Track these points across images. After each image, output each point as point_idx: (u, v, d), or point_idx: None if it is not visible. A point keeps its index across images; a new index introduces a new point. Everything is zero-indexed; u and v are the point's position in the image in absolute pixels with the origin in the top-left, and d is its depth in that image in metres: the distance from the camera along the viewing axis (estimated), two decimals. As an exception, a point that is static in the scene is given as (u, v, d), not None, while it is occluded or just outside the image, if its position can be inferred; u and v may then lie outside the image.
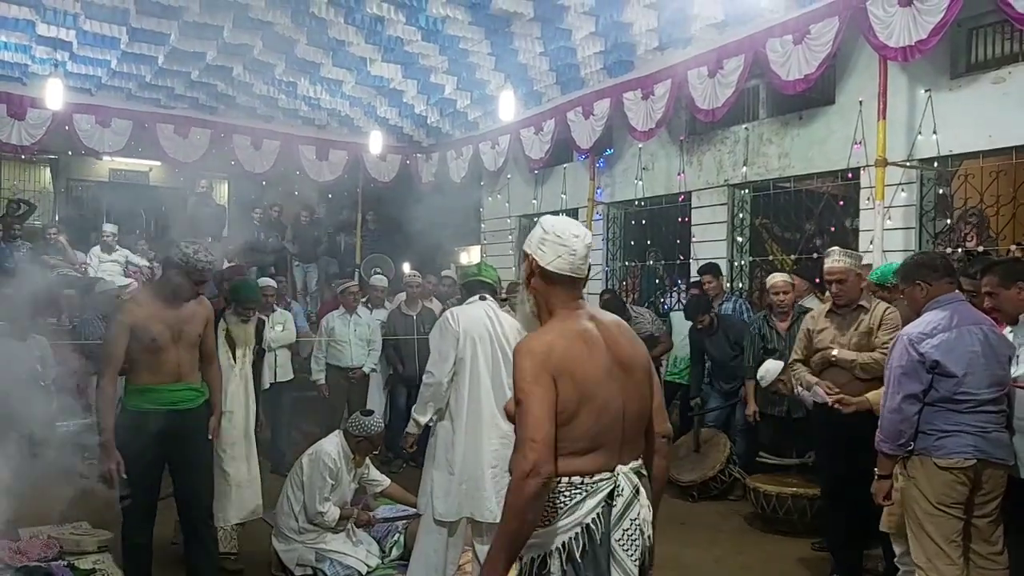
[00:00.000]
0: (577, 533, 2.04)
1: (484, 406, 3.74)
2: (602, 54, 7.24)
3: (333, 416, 7.18)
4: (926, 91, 5.80)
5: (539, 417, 1.97)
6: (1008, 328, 3.49)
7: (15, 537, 4.48)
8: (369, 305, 7.56)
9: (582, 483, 2.06)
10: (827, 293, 4.43)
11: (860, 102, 6.09)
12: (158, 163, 10.99)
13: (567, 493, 2.05)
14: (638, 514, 2.06)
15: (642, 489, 2.10)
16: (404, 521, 4.79)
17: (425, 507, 3.82)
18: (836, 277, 4.17)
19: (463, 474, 3.70)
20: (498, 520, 3.56)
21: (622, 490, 2.06)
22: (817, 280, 6.52)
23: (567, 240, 2.15)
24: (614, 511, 2.05)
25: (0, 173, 10.25)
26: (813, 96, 6.56)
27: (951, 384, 3.19)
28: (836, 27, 5.70)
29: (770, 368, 5.25)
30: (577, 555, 2.03)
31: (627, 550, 2.04)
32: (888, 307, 4.21)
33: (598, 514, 2.04)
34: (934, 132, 5.73)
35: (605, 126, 8.10)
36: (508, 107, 7.66)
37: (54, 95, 7.69)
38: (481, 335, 3.78)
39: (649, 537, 2.10)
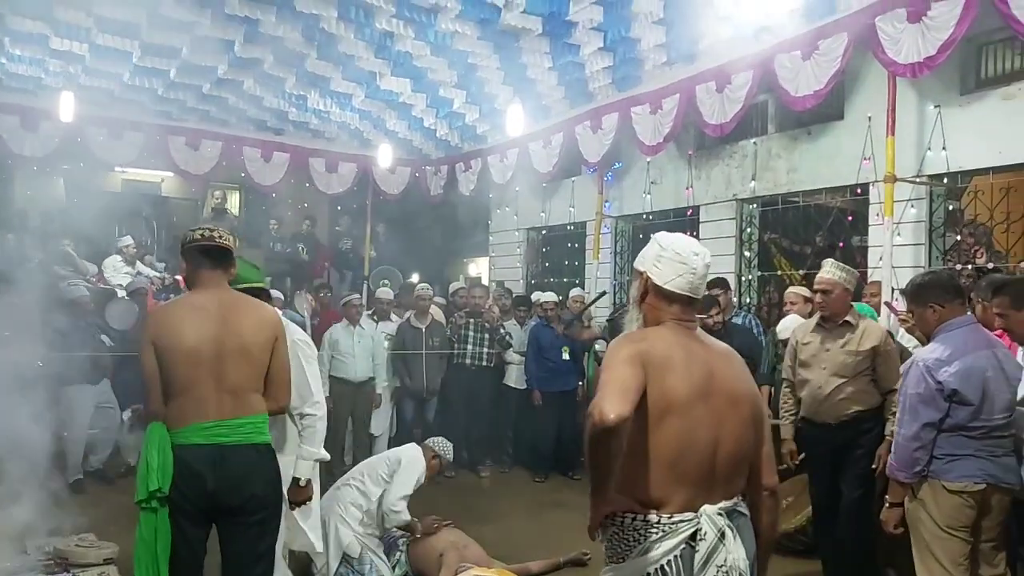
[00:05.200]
0: (651, 573, 1.91)
1: None
2: (610, 69, 7.25)
3: (337, 427, 7.20)
4: (935, 107, 5.78)
5: (621, 382, 1.85)
6: (1021, 351, 3.46)
7: (22, 549, 4.49)
8: (375, 317, 7.57)
9: (659, 522, 1.93)
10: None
11: (869, 117, 6.07)
12: (170, 174, 11.07)
13: (641, 531, 1.93)
14: (724, 560, 1.90)
15: (730, 533, 1.93)
16: (404, 539, 4.76)
17: None
18: (821, 287, 4.19)
19: None
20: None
21: (705, 534, 1.90)
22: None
23: (687, 258, 2.05)
24: (697, 556, 1.90)
25: (14, 184, 10.34)
26: (822, 111, 6.54)
27: (967, 412, 3.14)
28: (845, 43, 5.68)
29: (790, 323, 5.26)
30: None
31: None
32: (882, 332, 4.18)
33: (676, 556, 1.91)
34: (943, 148, 5.70)
35: (613, 140, 8.10)
36: (516, 121, 7.67)
37: (67, 108, 7.76)
38: None
39: None
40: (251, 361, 2.91)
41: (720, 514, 1.95)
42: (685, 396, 1.93)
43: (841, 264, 4.26)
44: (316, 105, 8.73)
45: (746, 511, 2.09)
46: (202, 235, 2.97)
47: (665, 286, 2.05)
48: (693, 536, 1.92)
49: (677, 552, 1.92)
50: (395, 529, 4.68)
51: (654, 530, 1.93)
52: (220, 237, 2.99)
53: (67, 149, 9.15)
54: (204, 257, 2.96)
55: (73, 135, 8.94)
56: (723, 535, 1.91)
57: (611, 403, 1.81)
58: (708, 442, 1.95)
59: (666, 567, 1.91)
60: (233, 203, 12.12)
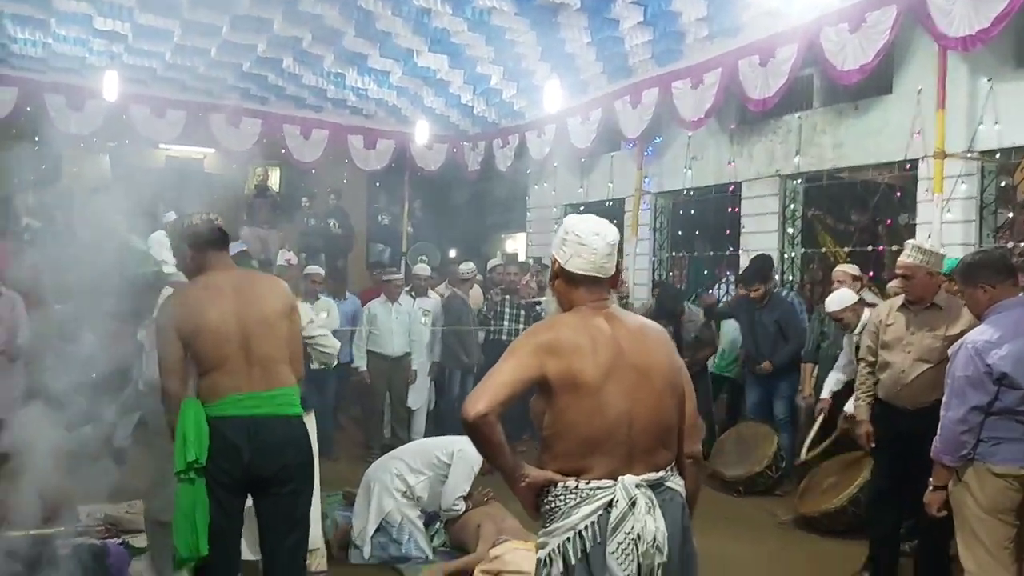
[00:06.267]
0: (570, 537, 2.02)
1: None
2: (650, 43, 7.12)
3: (375, 401, 7.31)
4: (988, 80, 5.58)
5: (496, 378, 2.01)
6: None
7: (74, 515, 4.65)
8: (412, 293, 7.63)
9: (576, 488, 2.04)
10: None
11: (919, 91, 5.90)
12: (212, 151, 11.23)
13: (562, 497, 2.06)
14: (632, 527, 1.98)
15: (643, 503, 2.01)
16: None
17: None
18: (902, 272, 4.00)
19: None
20: None
21: (617, 502, 2.00)
22: (871, 273, 6.42)
23: (587, 239, 2.12)
24: (609, 522, 2.00)
25: (61, 162, 10.57)
26: (869, 85, 6.35)
27: (1017, 396, 3.06)
28: (894, 15, 5.49)
29: (839, 296, 5.16)
30: (572, 560, 2.02)
31: (620, 563, 1.98)
32: (972, 316, 3.88)
33: (592, 522, 2.01)
34: (996, 122, 5.52)
35: (653, 115, 7.98)
36: (554, 97, 7.61)
37: (111, 87, 7.90)
38: None
39: (651, 554, 1.99)
40: (274, 331, 2.99)
41: (640, 485, 2.03)
42: (592, 377, 2.03)
43: (922, 246, 4.00)
44: (354, 82, 8.74)
45: (678, 487, 2.16)
46: (202, 220, 3.07)
47: (569, 268, 2.14)
48: (611, 503, 2.02)
49: (594, 517, 2.01)
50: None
51: (572, 496, 2.04)
52: (218, 220, 3.11)
53: (112, 127, 9.30)
54: (208, 240, 3.06)
55: (117, 113, 9.09)
56: (634, 504, 2.00)
57: (474, 401, 1.98)
58: (620, 416, 2.04)
59: (583, 532, 2.01)
60: (274, 180, 12.25)
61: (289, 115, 10.08)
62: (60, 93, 8.91)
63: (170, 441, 2.92)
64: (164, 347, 2.92)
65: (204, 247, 3.05)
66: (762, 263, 6.44)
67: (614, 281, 2.20)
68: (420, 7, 6.55)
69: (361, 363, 7.18)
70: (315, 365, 4.28)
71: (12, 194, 9.19)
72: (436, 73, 8.25)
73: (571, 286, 2.16)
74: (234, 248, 9.52)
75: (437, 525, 4.86)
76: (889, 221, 6.83)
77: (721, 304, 7.33)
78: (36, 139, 9.65)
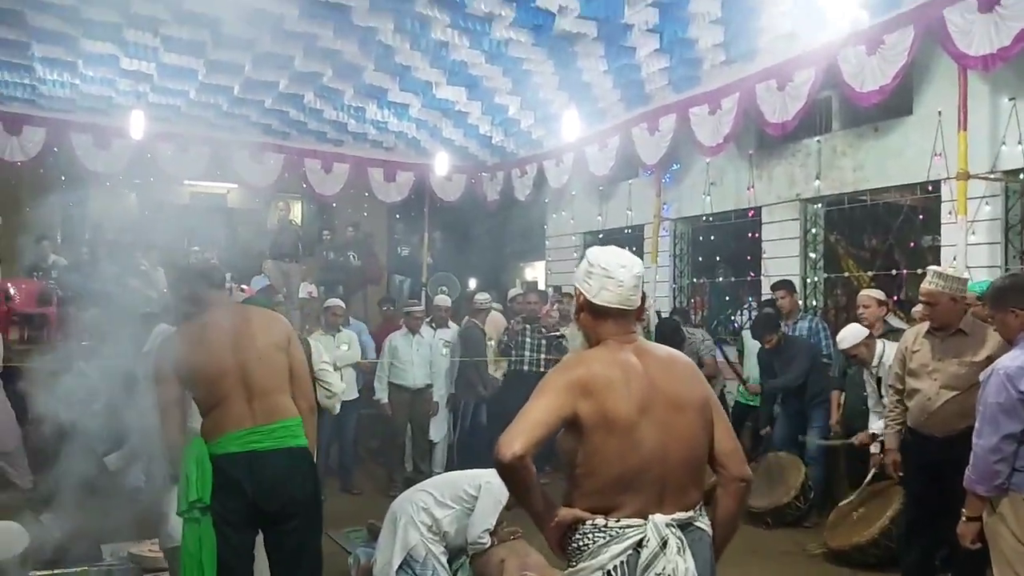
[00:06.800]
0: (602, 575, 1.97)
1: None
2: (667, 70, 7.14)
3: (397, 434, 7.27)
4: (1010, 99, 5.52)
5: (531, 416, 1.96)
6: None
7: (97, 554, 4.66)
8: (433, 325, 7.62)
9: (606, 527, 1.98)
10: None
11: (939, 112, 5.85)
12: (235, 186, 11.39)
13: (591, 536, 1.99)
14: (664, 568, 1.93)
15: (673, 543, 1.96)
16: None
17: None
18: (925, 299, 3.96)
19: None
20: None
21: (648, 541, 1.95)
22: (895, 298, 6.31)
23: (613, 271, 2.08)
24: (640, 562, 1.94)
25: (87, 200, 10.76)
26: (889, 107, 6.31)
27: None
28: (912, 36, 5.47)
29: (850, 333, 5.07)
30: None
31: None
32: (999, 340, 3.73)
33: (622, 562, 1.96)
34: (1019, 142, 5.45)
35: (671, 141, 7.98)
36: (572, 126, 7.64)
37: (136, 125, 8.06)
38: None
39: None
40: (271, 364, 2.97)
41: (670, 524, 1.98)
42: (626, 414, 1.98)
43: (944, 271, 3.96)
44: (374, 116, 8.85)
45: (706, 527, 2.10)
46: (198, 259, 3.08)
47: (595, 301, 2.10)
48: (641, 543, 1.96)
49: (624, 557, 1.96)
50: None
51: (601, 535, 1.98)
52: (213, 259, 3.09)
53: (138, 165, 9.48)
54: (203, 280, 3.08)
55: (143, 151, 9.27)
56: (665, 544, 1.95)
57: (508, 443, 1.91)
58: (655, 453, 2.00)
59: (612, 572, 1.96)
60: (296, 213, 12.38)
61: (310, 149, 10.22)
62: (87, 132, 9.08)
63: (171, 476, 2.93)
64: (161, 391, 2.93)
65: (200, 286, 3.08)
66: (766, 319, 6.36)
67: (639, 313, 2.17)
68: (438, 40, 6.62)
69: (383, 395, 7.16)
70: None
71: (41, 233, 9.37)
72: (455, 105, 8.33)
73: (598, 320, 2.11)
74: (258, 282, 9.65)
75: (463, 559, 4.78)
76: (912, 244, 6.74)
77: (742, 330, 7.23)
78: (63, 178, 9.87)
